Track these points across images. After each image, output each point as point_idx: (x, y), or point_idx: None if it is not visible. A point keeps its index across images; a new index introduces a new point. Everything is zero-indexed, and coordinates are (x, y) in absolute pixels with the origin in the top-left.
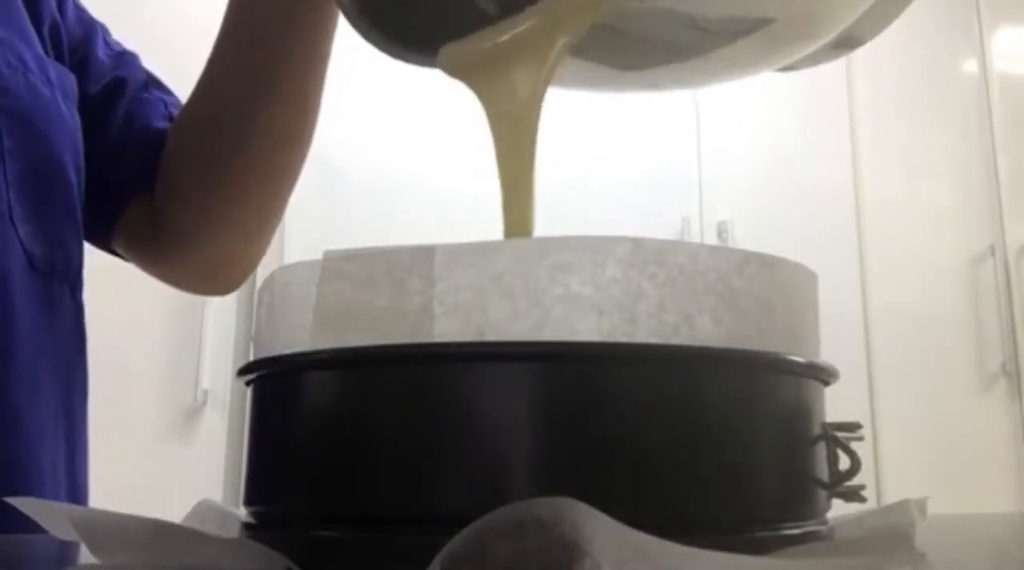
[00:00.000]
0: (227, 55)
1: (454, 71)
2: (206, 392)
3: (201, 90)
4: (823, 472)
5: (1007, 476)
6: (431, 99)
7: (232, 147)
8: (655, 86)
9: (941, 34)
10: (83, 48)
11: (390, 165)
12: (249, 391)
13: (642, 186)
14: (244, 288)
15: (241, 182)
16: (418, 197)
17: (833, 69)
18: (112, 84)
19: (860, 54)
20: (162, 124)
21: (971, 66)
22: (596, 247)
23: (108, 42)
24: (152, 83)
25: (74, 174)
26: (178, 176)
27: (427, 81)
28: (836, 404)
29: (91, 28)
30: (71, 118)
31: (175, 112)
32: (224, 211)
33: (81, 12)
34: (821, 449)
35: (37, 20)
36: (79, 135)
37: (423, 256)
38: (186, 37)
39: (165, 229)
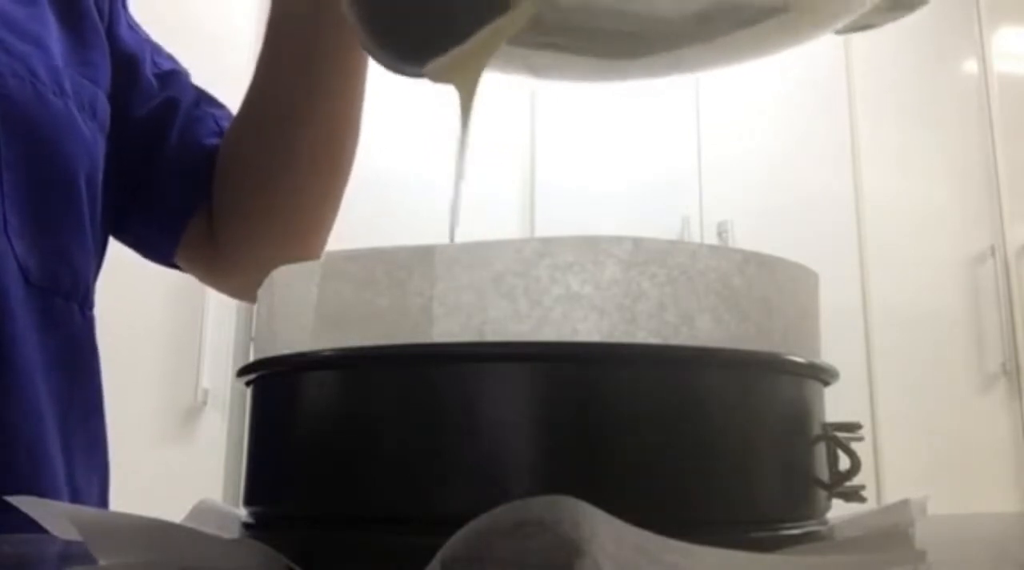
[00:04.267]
0: (267, 74)
1: (436, 78)
2: (206, 392)
3: (246, 105)
4: (823, 472)
5: (1007, 476)
6: (430, 102)
7: (275, 160)
8: (653, 74)
9: (941, 34)
10: (131, 68)
11: (391, 166)
12: (249, 391)
13: (642, 187)
14: None
15: (285, 193)
16: (419, 198)
17: (833, 69)
18: (162, 105)
19: (859, 54)
20: (212, 140)
21: (971, 66)
22: (596, 247)
23: (157, 61)
24: (203, 99)
25: (85, 185)
26: (228, 187)
27: (425, 84)
28: (836, 404)
29: (140, 48)
30: (87, 129)
31: (226, 125)
32: (271, 221)
33: (133, 32)
34: (821, 449)
35: (72, 32)
36: (97, 147)
37: (423, 256)
38: (236, 47)
39: (221, 240)
